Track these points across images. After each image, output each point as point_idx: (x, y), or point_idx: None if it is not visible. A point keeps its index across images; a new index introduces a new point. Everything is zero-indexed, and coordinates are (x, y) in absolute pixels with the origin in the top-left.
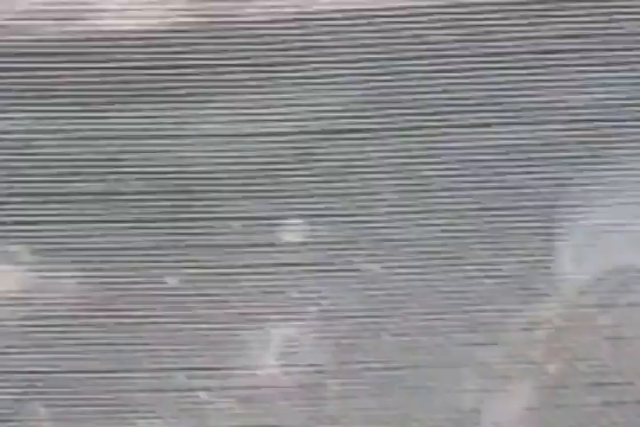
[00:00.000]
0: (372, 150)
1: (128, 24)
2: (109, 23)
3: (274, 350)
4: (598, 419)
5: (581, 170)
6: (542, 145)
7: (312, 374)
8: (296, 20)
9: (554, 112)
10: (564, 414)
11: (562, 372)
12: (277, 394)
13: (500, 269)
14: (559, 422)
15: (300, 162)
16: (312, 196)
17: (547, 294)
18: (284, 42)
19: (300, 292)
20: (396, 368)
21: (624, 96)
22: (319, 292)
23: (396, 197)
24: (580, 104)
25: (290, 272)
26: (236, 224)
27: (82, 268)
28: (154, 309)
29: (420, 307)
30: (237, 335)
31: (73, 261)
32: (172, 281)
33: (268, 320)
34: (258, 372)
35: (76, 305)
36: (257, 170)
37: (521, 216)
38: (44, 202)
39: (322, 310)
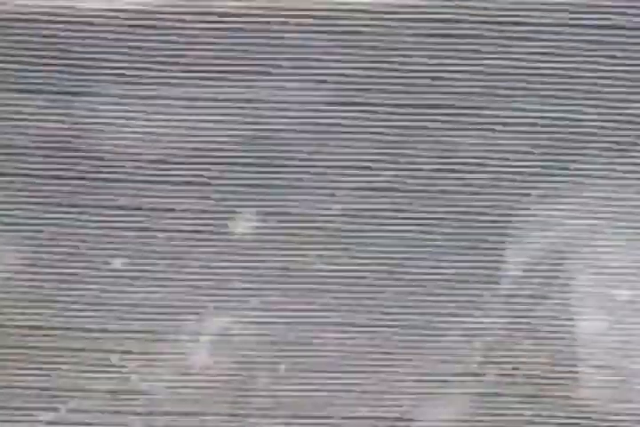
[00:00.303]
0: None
1: None
2: None
3: (208, 340)
4: None
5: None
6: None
7: (243, 365)
8: None
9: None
10: (497, 423)
11: (499, 381)
12: (207, 383)
13: (444, 273)
14: None
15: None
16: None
17: (489, 302)
18: None
19: (243, 283)
20: (329, 371)
21: None
22: (263, 285)
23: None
24: None
25: (237, 265)
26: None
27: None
28: (91, 289)
29: (362, 306)
30: (174, 321)
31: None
32: (116, 263)
33: (205, 308)
34: (190, 360)
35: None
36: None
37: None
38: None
39: (262, 302)
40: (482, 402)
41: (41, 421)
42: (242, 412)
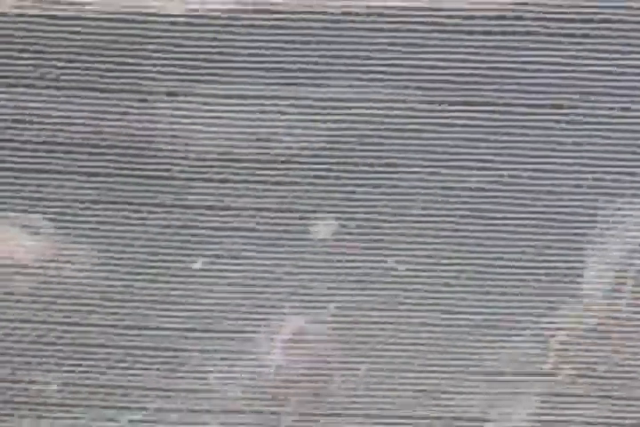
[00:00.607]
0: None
1: None
2: None
3: (283, 339)
4: None
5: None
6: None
7: (318, 365)
8: None
9: None
10: (571, 424)
11: (573, 381)
12: (282, 383)
13: (520, 273)
14: None
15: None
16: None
17: (565, 302)
18: None
19: (321, 284)
20: (404, 370)
21: None
22: (339, 287)
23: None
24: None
25: (314, 265)
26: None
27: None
28: (173, 288)
29: (434, 306)
30: (250, 322)
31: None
32: (196, 264)
33: (283, 308)
34: (265, 360)
35: (89, 278)
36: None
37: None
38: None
39: (339, 306)
40: (555, 402)
41: (128, 420)
42: (317, 412)
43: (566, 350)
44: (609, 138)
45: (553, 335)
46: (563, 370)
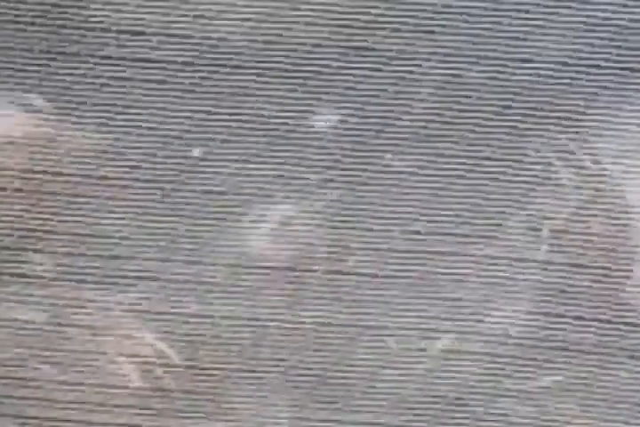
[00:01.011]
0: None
1: None
2: None
3: (269, 227)
4: None
5: None
6: None
7: (302, 254)
8: None
9: None
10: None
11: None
12: (262, 271)
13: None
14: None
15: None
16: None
17: None
18: None
19: (317, 175)
20: (399, 257)
21: None
22: (335, 180)
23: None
24: None
25: (312, 157)
26: None
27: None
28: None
29: (429, 202)
30: (238, 207)
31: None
32: (196, 152)
33: (272, 197)
34: (248, 247)
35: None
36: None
37: None
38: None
39: (333, 199)
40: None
41: None
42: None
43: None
44: None
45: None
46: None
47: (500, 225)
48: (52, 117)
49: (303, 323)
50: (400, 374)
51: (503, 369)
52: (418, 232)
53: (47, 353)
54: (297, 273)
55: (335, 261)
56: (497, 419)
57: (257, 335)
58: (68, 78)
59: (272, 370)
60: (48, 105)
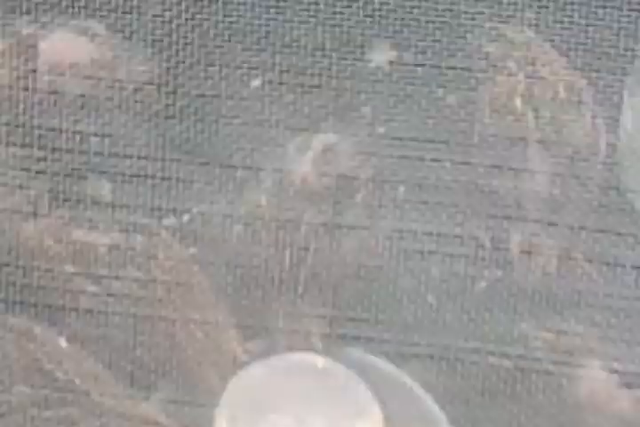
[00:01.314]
0: None
1: None
2: None
3: (311, 156)
4: None
5: None
6: None
7: (344, 181)
8: None
9: None
10: None
11: None
12: (306, 194)
13: None
14: None
15: None
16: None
17: None
18: None
19: (372, 108)
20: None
21: None
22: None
23: None
24: None
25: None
26: None
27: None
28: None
29: None
30: (278, 139)
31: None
32: (255, 83)
33: (312, 127)
34: (291, 172)
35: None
36: None
37: None
38: None
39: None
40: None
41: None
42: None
43: None
44: None
45: None
46: None
47: None
48: (111, 42)
49: (341, 248)
50: (442, 300)
51: None
52: (467, 163)
53: None
54: (338, 199)
55: (376, 191)
56: None
57: (296, 260)
58: (129, 4)
59: (309, 293)
60: (107, 32)
